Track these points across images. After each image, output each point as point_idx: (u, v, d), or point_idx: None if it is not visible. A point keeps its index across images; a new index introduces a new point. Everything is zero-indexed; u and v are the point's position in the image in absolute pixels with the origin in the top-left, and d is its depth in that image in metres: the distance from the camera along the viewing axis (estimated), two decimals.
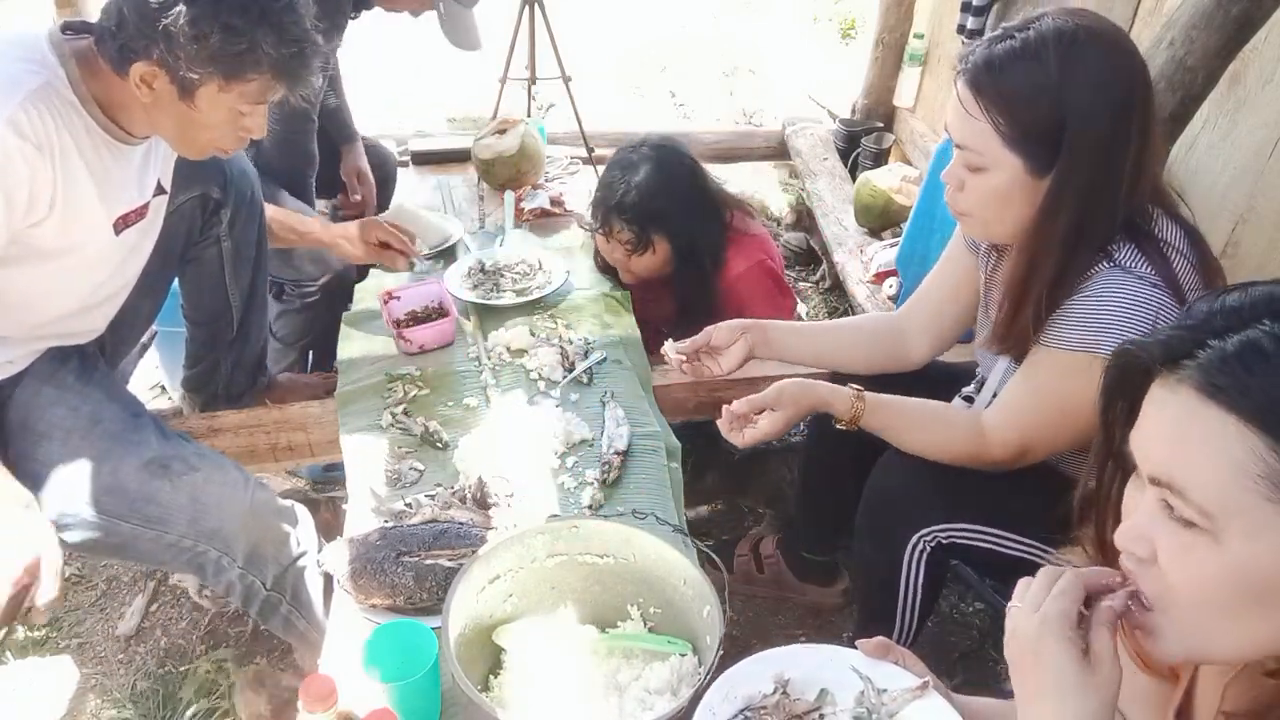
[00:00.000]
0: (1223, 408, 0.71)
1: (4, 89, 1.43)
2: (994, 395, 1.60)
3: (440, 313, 2.11)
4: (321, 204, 2.92)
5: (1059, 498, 1.27)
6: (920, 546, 1.54)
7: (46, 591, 1.47)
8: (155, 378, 2.67)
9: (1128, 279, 1.34)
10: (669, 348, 1.73)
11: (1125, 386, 0.83)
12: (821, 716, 1.05)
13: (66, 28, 1.55)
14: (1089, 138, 1.31)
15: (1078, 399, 1.39)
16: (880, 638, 1.11)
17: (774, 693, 1.08)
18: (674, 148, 2.27)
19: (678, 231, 2.19)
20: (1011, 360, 1.54)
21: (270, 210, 2.13)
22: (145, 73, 1.46)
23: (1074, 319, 1.37)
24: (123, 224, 1.67)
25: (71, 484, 1.62)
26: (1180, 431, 0.74)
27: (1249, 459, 0.69)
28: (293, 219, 2.22)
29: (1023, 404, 1.47)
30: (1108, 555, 0.89)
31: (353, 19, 2.46)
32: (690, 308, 2.25)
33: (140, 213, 1.71)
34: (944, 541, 1.53)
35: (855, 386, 1.58)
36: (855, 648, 1.11)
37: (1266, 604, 0.72)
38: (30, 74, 1.46)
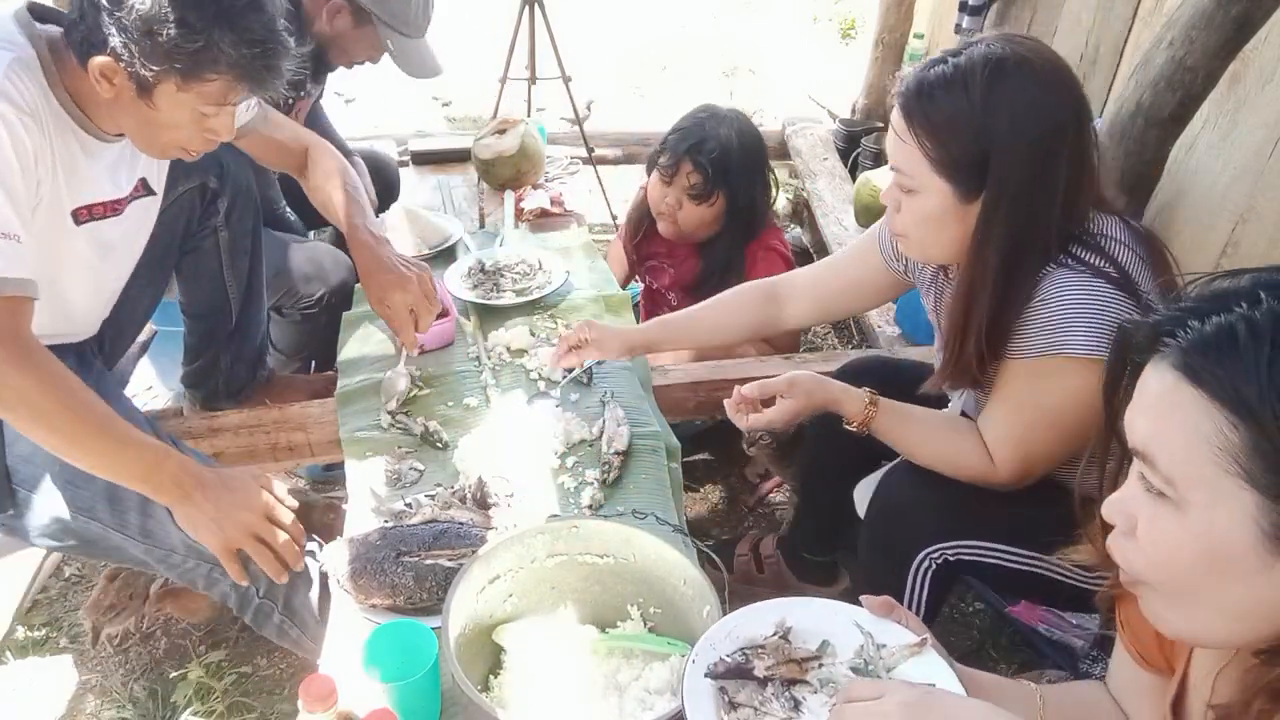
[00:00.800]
0: (1195, 385, 0.74)
1: None
2: (963, 410, 1.60)
3: (440, 313, 2.10)
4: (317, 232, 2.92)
5: (1060, 506, 1.27)
6: (926, 564, 1.53)
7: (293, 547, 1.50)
8: (149, 378, 2.65)
9: (1071, 275, 1.34)
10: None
11: (1125, 367, 0.85)
12: (820, 665, 1.07)
13: (33, 10, 1.50)
14: (1013, 167, 1.31)
15: (1057, 402, 1.39)
16: (886, 597, 1.12)
17: (774, 635, 1.09)
18: (751, 120, 2.38)
19: (740, 193, 2.29)
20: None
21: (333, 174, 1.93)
22: (104, 67, 1.41)
23: (1032, 327, 1.37)
24: (86, 215, 1.62)
25: (67, 490, 1.60)
26: (1159, 406, 0.78)
27: (1214, 433, 0.73)
28: (350, 195, 1.92)
29: (1009, 421, 1.46)
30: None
31: (315, 85, 2.47)
32: (714, 274, 2.32)
33: (110, 208, 1.66)
34: (950, 558, 1.52)
35: (870, 390, 1.58)
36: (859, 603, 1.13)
37: (1228, 574, 0.75)
38: (1, 49, 1.43)
